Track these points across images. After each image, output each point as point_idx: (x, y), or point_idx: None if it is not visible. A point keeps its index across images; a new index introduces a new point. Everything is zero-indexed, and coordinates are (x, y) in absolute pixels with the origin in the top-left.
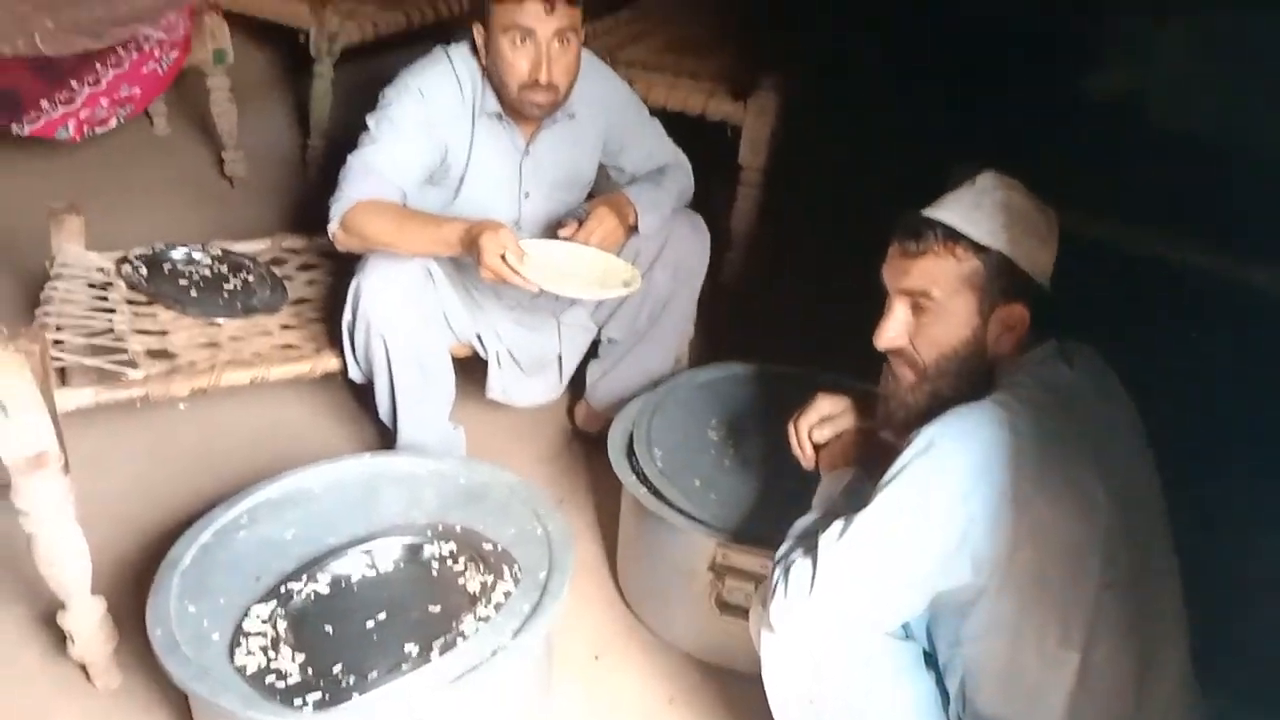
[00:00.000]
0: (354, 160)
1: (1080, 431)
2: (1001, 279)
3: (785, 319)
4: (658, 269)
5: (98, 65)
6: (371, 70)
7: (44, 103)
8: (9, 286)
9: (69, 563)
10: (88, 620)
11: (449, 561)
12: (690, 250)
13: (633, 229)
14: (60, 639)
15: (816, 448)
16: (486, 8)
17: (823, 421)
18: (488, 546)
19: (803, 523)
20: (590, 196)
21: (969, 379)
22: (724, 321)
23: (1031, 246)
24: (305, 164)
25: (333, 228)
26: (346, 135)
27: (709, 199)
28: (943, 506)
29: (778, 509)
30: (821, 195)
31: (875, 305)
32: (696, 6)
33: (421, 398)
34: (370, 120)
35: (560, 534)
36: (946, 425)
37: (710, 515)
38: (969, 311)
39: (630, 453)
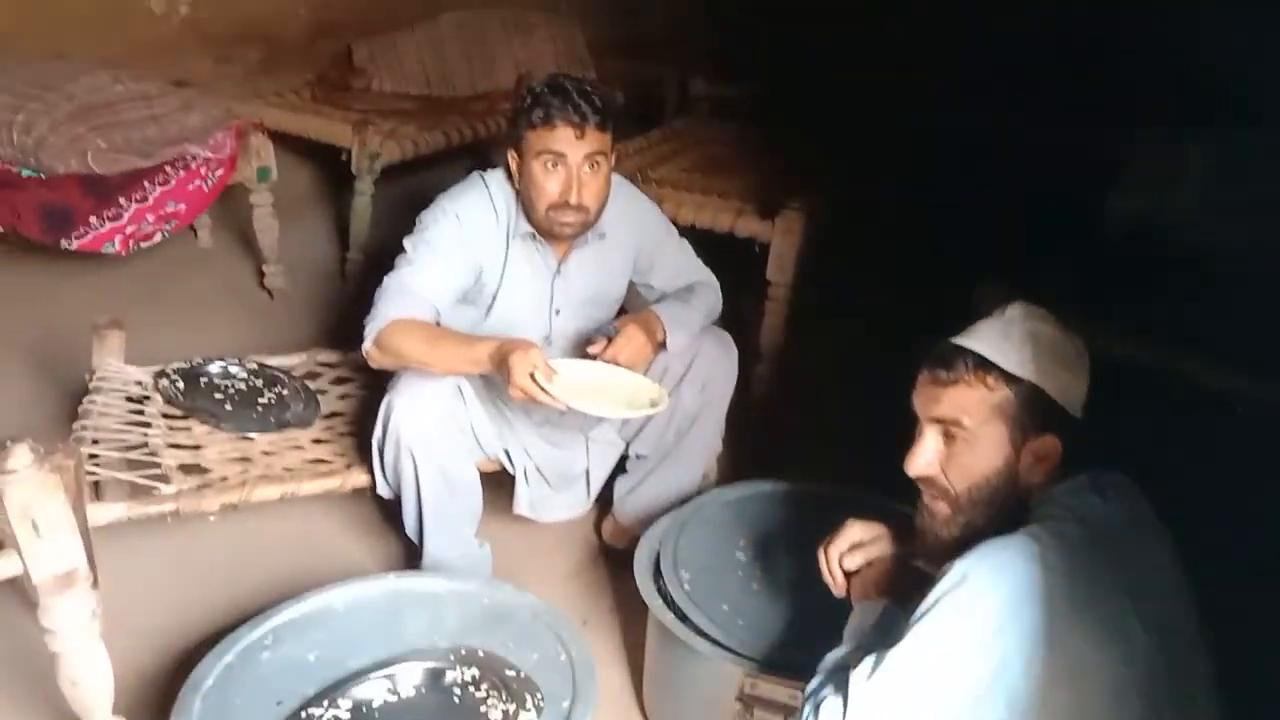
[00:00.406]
0: (390, 281)
1: (1115, 566)
2: (1033, 409)
3: (815, 435)
4: (686, 386)
5: (146, 182)
6: (411, 186)
7: (93, 218)
8: (52, 397)
9: (92, 682)
10: None
11: (471, 688)
12: (718, 367)
13: (661, 346)
14: None
15: (848, 575)
16: (519, 134)
17: (854, 548)
18: (510, 673)
19: (834, 656)
20: (621, 313)
21: (1001, 509)
22: (753, 437)
23: (1062, 377)
24: (344, 278)
25: (367, 346)
26: (385, 250)
27: (737, 314)
28: (975, 644)
29: (808, 636)
30: (850, 310)
31: (906, 422)
32: (725, 127)
33: (448, 514)
34: (407, 243)
35: (584, 661)
36: (979, 559)
37: (738, 642)
38: (1000, 441)
39: (657, 574)
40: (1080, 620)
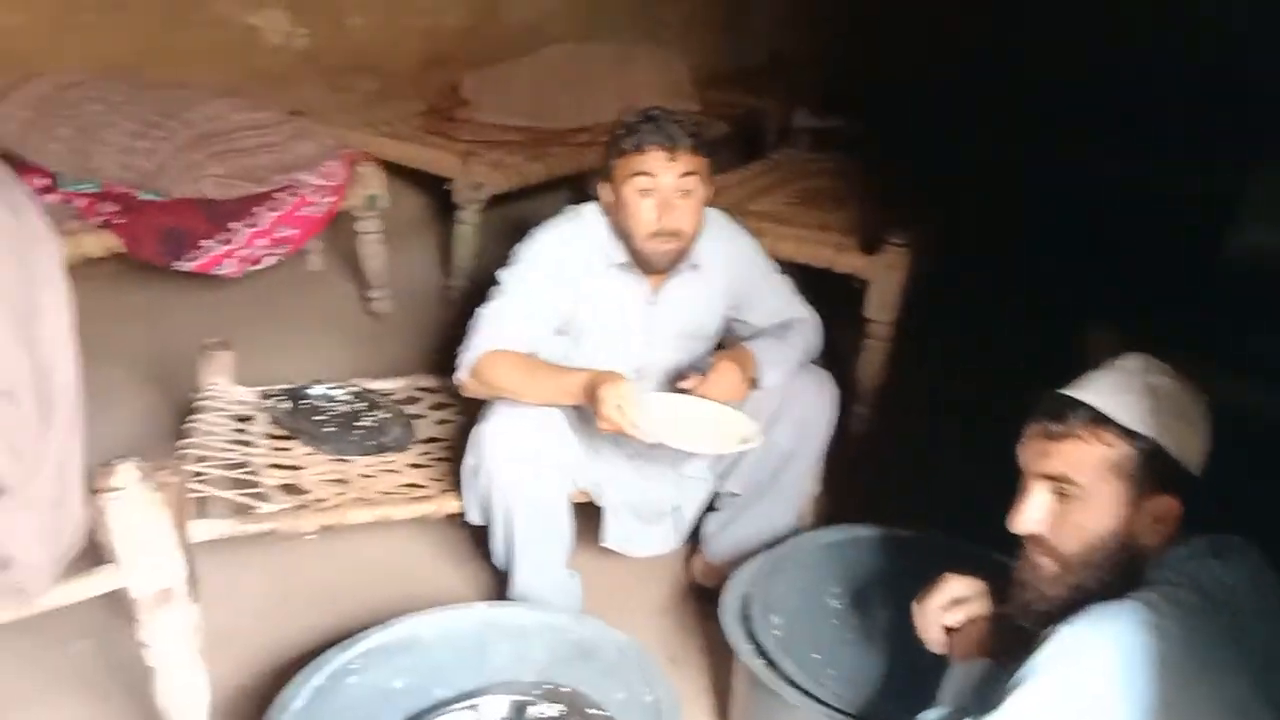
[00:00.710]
0: (484, 312)
1: (1236, 638)
2: (1152, 468)
3: (916, 479)
4: (781, 424)
5: (259, 208)
6: (514, 215)
7: (207, 241)
8: (161, 414)
9: (188, 697)
10: None
11: None
12: (815, 407)
13: (756, 384)
14: None
15: (946, 631)
16: (613, 162)
17: (953, 604)
18: (595, 712)
19: (930, 717)
20: (719, 347)
21: (1113, 572)
22: (850, 479)
23: (1183, 433)
24: (446, 305)
25: (460, 376)
26: (487, 278)
27: (836, 350)
28: (1080, 717)
29: (902, 690)
30: (952, 351)
31: (1010, 472)
32: (826, 160)
33: (537, 544)
34: (503, 275)
35: (670, 702)
36: (1088, 624)
37: (829, 693)
38: (1115, 501)
39: (746, 616)
40: (1197, 695)
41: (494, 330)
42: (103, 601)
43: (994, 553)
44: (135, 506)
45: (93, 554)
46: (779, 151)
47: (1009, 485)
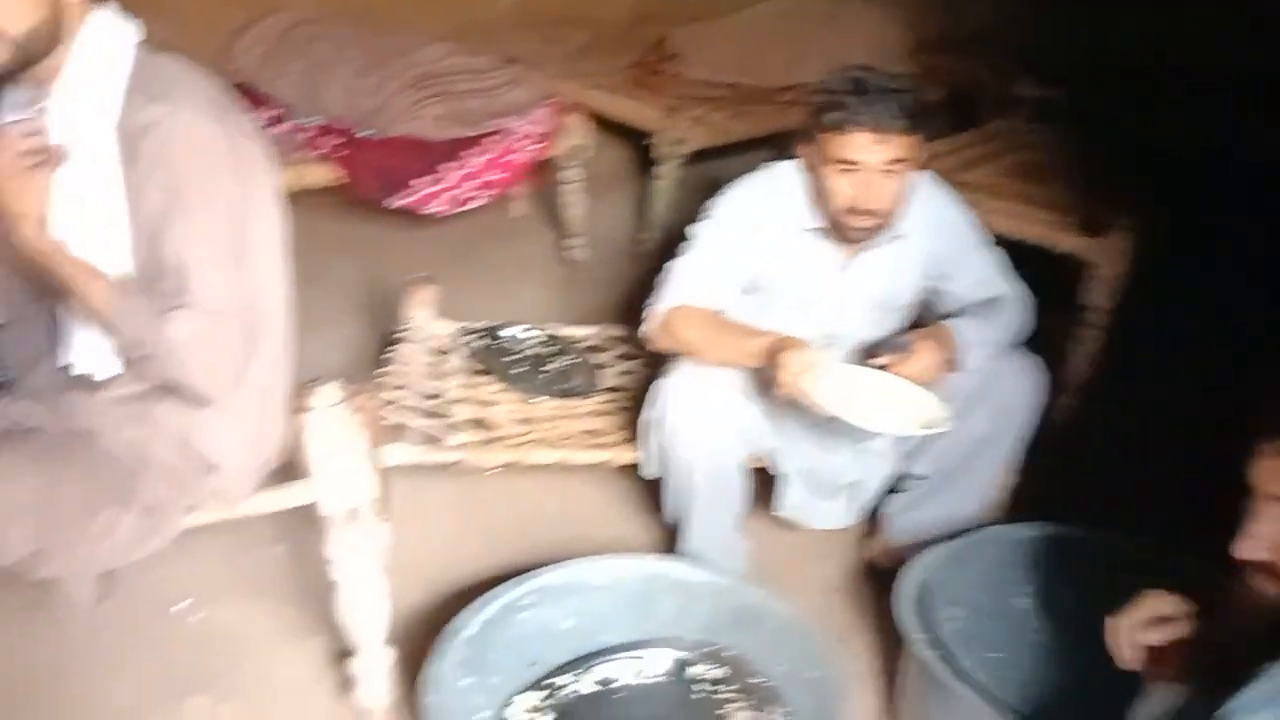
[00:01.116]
0: (675, 266)
1: None
2: None
3: (1124, 479)
4: (979, 408)
5: (470, 151)
6: (714, 172)
7: (418, 180)
8: (365, 341)
9: (369, 613)
10: (376, 671)
11: (715, 688)
12: (1018, 393)
13: (956, 365)
14: (346, 679)
15: (1143, 650)
16: (814, 133)
17: (1154, 622)
18: (757, 680)
19: None
20: (916, 323)
21: None
22: (1049, 473)
23: None
24: (639, 257)
25: (647, 328)
26: (680, 233)
27: (1041, 336)
28: None
29: (1088, 702)
30: (1171, 347)
31: (1231, 483)
32: (1046, 133)
33: (710, 505)
34: (695, 230)
35: (837, 682)
36: None
37: (1009, 695)
38: None
39: (922, 605)
40: None
41: (683, 285)
42: (301, 512)
43: (1202, 567)
44: (332, 426)
45: (292, 469)
46: (995, 121)
47: (1224, 496)
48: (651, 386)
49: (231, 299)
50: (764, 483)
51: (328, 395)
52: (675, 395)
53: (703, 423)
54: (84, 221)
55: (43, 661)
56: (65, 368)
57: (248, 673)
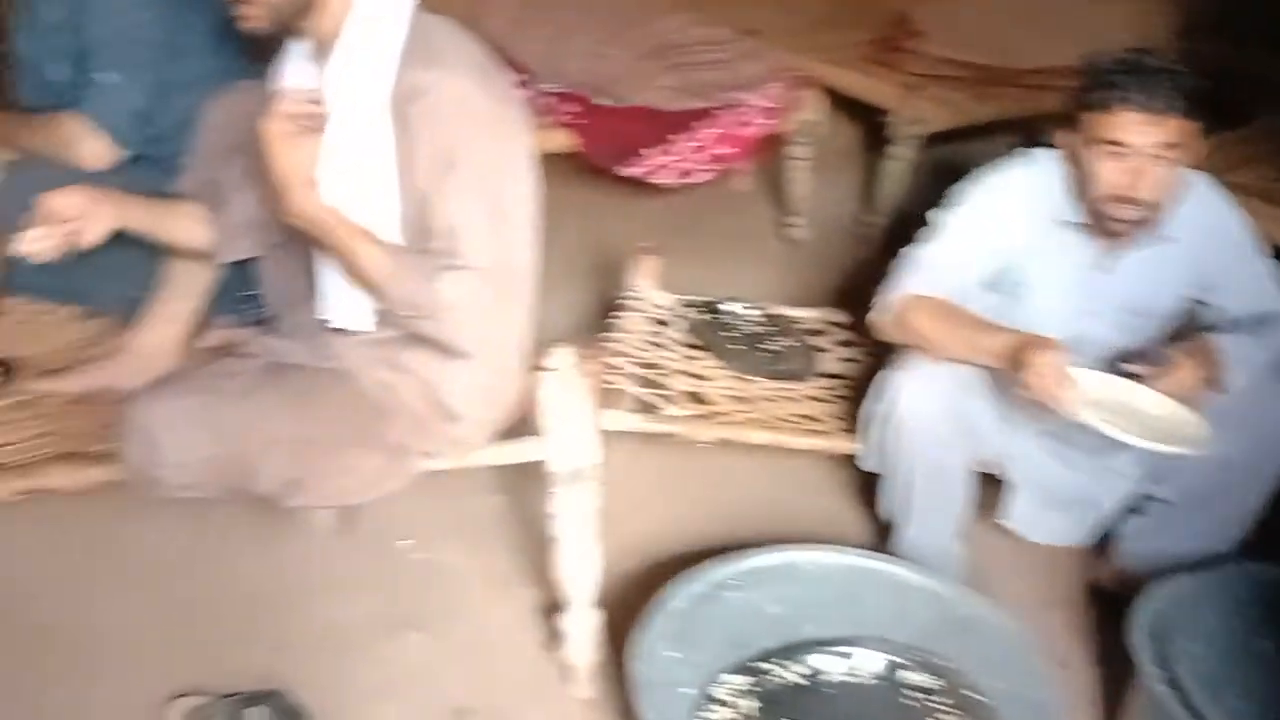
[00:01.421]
0: (913, 253)
1: None
2: None
3: None
4: (1240, 431)
5: (701, 122)
6: (949, 156)
7: (648, 150)
8: (586, 304)
9: (582, 572)
10: (584, 629)
11: (927, 697)
12: None
13: (1219, 385)
14: (552, 634)
15: None
16: (1078, 115)
17: None
18: (973, 695)
19: None
20: (1175, 336)
21: None
22: None
23: None
24: (862, 240)
25: (877, 316)
26: (909, 218)
27: None
28: None
29: None
30: None
31: None
32: None
33: (932, 506)
34: (937, 216)
35: (1058, 709)
36: None
37: None
38: None
39: (1158, 639)
40: None
41: (922, 274)
42: (521, 466)
43: None
44: (565, 388)
45: (517, 425)
46: (1269, 116)
47: None
48: (877, 377)
49: (493, 259)
50: (988, 487)
51: (564, 357)
52: (905, 389)
53: (932, 421)
54: (356, 186)
55: (281, 581)
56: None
57: (462, 615)
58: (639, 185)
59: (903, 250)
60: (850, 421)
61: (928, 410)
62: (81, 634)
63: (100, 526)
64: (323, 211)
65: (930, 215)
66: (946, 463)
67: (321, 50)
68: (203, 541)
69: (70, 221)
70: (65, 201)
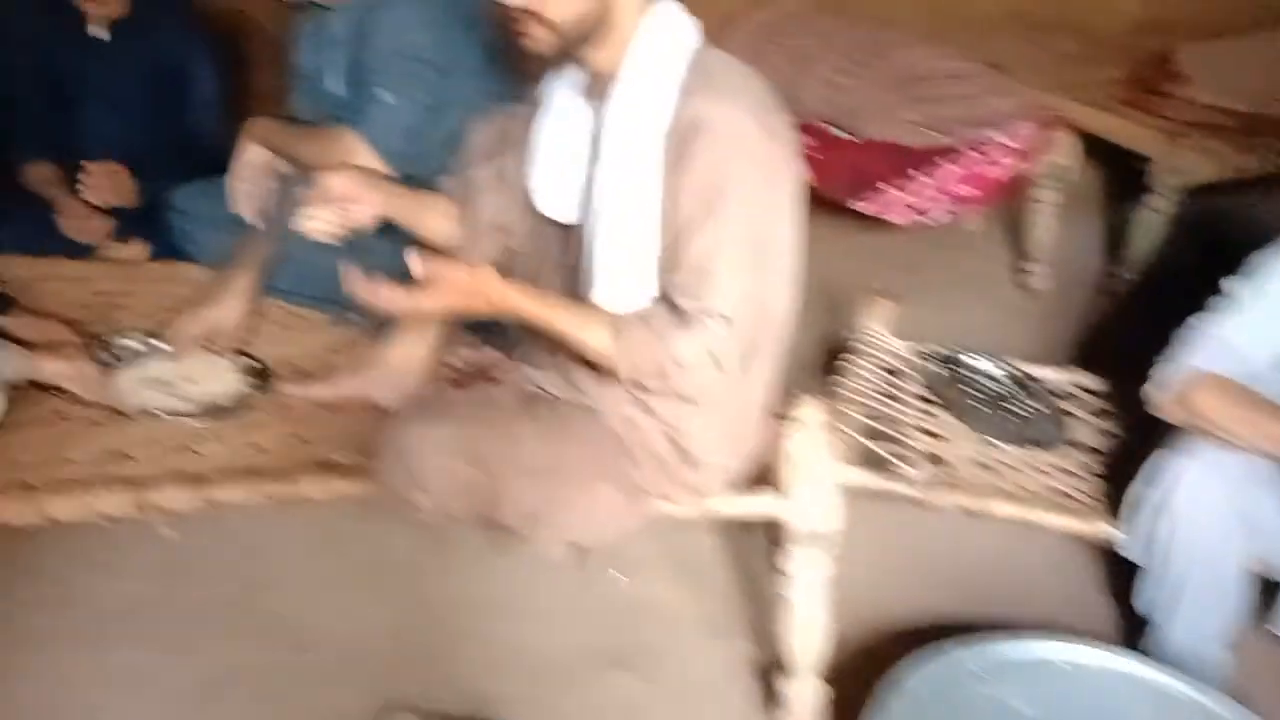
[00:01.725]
0: (1204, 326)
1: None
2: None
3: None
4: None
5: (942, 160)
6: (1207, 210)
7: (884, 185)
8: (808, 344)
9: (810, 640)
10: (806, 699)
11: None
12: None
13: None
14: (761, 690)
15: None
16: None
17: None
18: None
19: None
20: None
21: None
22: None
23: None
24: (1110, 295)
25: (1158, 394)
26: (1163, 275)
27: None
28: None
29: None
30: None
31: None
32: None
33: (1201, 609)
34: (1233, 286)
35: None
36: None
37: None
38: None
39: None
40: None
41: (1214, 351)
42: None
43: None
44: (812, 442)
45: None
46: None
47: None
48: (1151, 458)
49: (744, 307)
50: (1260, 591)
51: (811, 409)
52: (1186, 477)
53: (1214, 515)
54: (619, 219)
55: (497, 601)
56: None
57: (672, 657)
58: (864, 220)
59: (1191, 320)
60: (1105, 500)
61: (1211, 502)
62: (305, 626)
63: (334, 524)
64: (521, 300)
65: (1225, 284)
66: (1225, 562)
67: (596, 82)
68: (429, 551)
69: (344, 202)
70: (340, 181)
